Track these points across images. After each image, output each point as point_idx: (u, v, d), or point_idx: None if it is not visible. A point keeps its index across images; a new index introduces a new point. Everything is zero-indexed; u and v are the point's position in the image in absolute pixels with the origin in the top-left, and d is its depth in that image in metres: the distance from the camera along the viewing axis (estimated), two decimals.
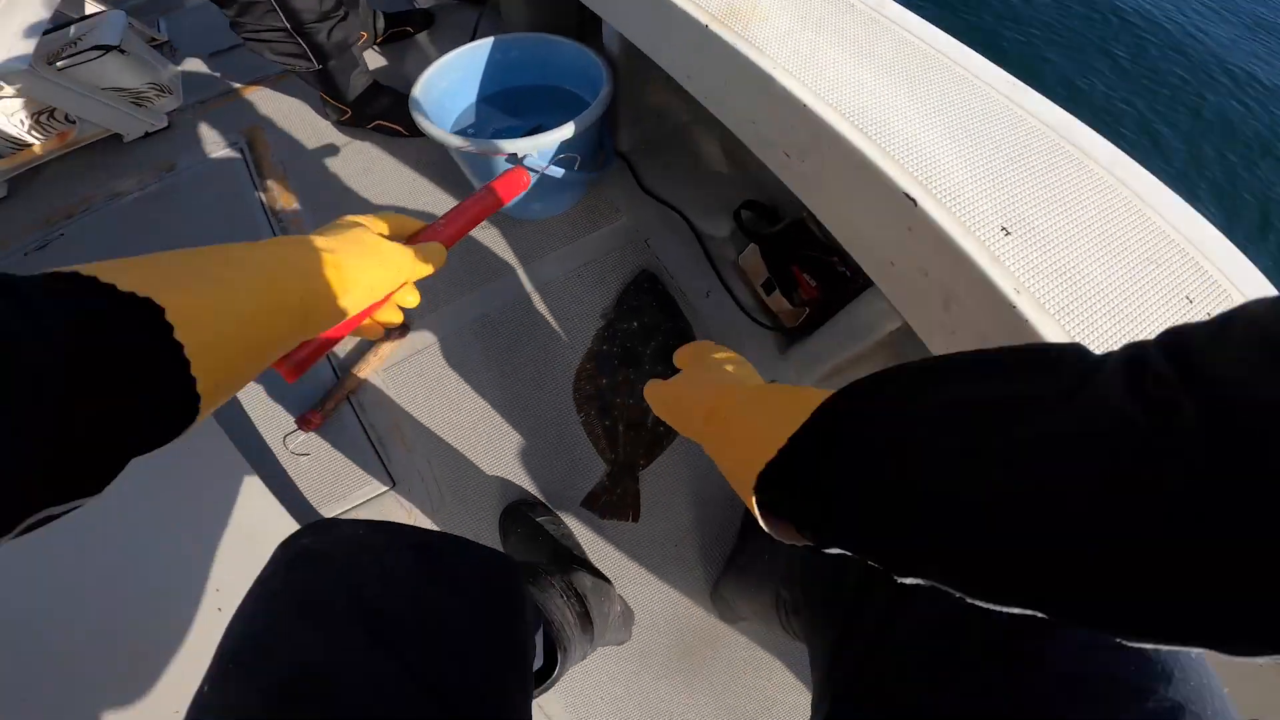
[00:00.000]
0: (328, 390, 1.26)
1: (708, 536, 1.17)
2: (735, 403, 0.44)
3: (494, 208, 0.68)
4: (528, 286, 1.31)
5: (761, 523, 0.37)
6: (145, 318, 0.29)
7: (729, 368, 0.55)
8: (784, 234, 1.26)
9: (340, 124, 1.54)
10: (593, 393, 1.18)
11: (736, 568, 1.03)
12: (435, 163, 1.50)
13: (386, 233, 0.54)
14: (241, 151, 1.56)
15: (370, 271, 0.47)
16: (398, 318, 0.55)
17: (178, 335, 0.30)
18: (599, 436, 1.17)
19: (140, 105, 1.60)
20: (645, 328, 1.21)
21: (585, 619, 0.90)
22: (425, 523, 1.16)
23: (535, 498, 1.19)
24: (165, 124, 1.64)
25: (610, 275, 1.31)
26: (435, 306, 1.31)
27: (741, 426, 0.41)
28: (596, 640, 0.92)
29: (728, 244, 1.33)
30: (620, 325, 1.22)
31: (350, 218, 0.52)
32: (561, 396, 1.23)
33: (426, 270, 0.55)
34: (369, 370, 1.26)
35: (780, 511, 0.35)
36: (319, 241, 0.44)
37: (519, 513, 1.15)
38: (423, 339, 1.29)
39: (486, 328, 1.28)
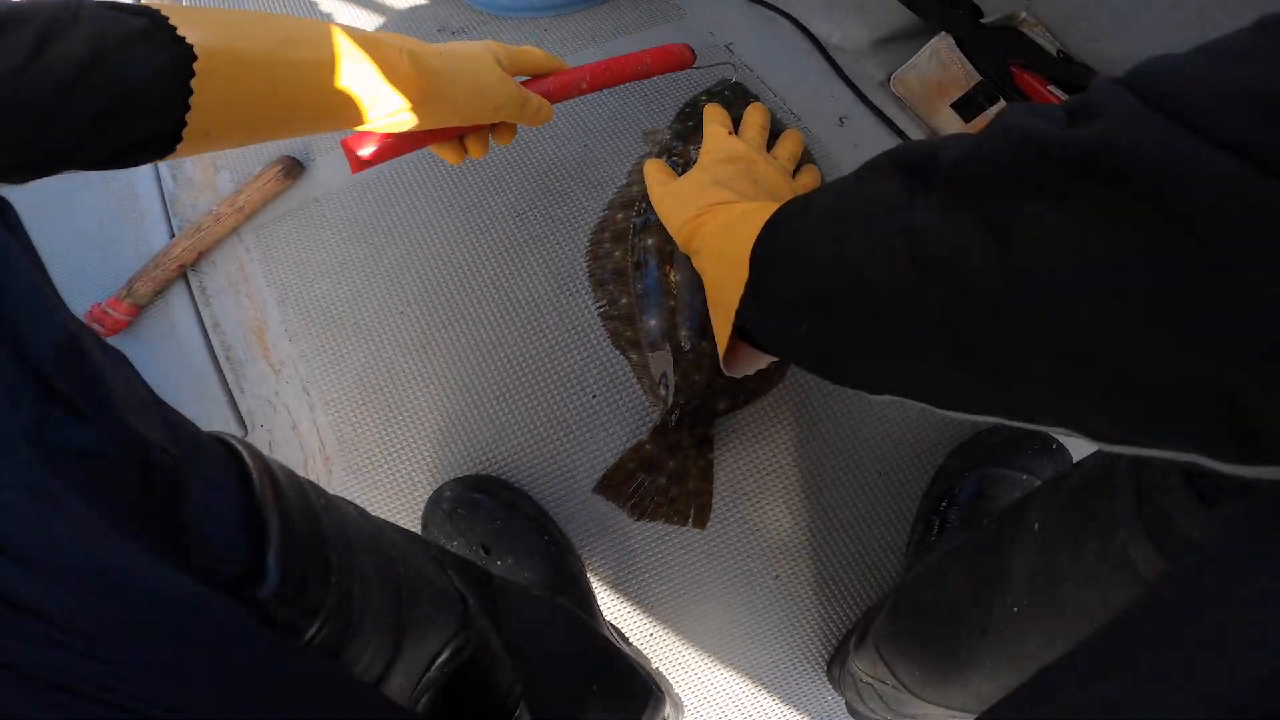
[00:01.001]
0: (145, 264, 0.70)
1: (835, 551, 0.60)
2: (710, 231, 0.47)
3: (639, 75, 0.59)
4: None
5: (724, 365, 0.45)
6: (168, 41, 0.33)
7: (759, 175, 0.55)
8: (997, 34, 0.69)
9: None
10: (633, 265, 0.61)
11: (918, 604, 0.51)
12: None
13: (504, 59, 0.50)
14: None
15: (458, 91, 0.45)
16: (478, 152, 0.52)
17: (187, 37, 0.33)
18: (636, 347, 0.60)
19: None
20: None
21: None
22: None
23: (494, 478, 0.62)
24: None
25: (666, 89, 0.74)
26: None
27: (713, 260, 0.45)
28: None
29: (870, 58, 0.77)
30: (681, 148, 0.65)
31: (482, 41, 0.50)
32: (567, 275, 0.66)
33: (522, 118, 0.51)
34: (223, 229, 0.70)
35: (759, 336, 0.41)
36: (414, 44, 0.44)
37: (461, 504, 0.59)
38: (323, 180, 0.73)
39: (438, 163, 0.72)
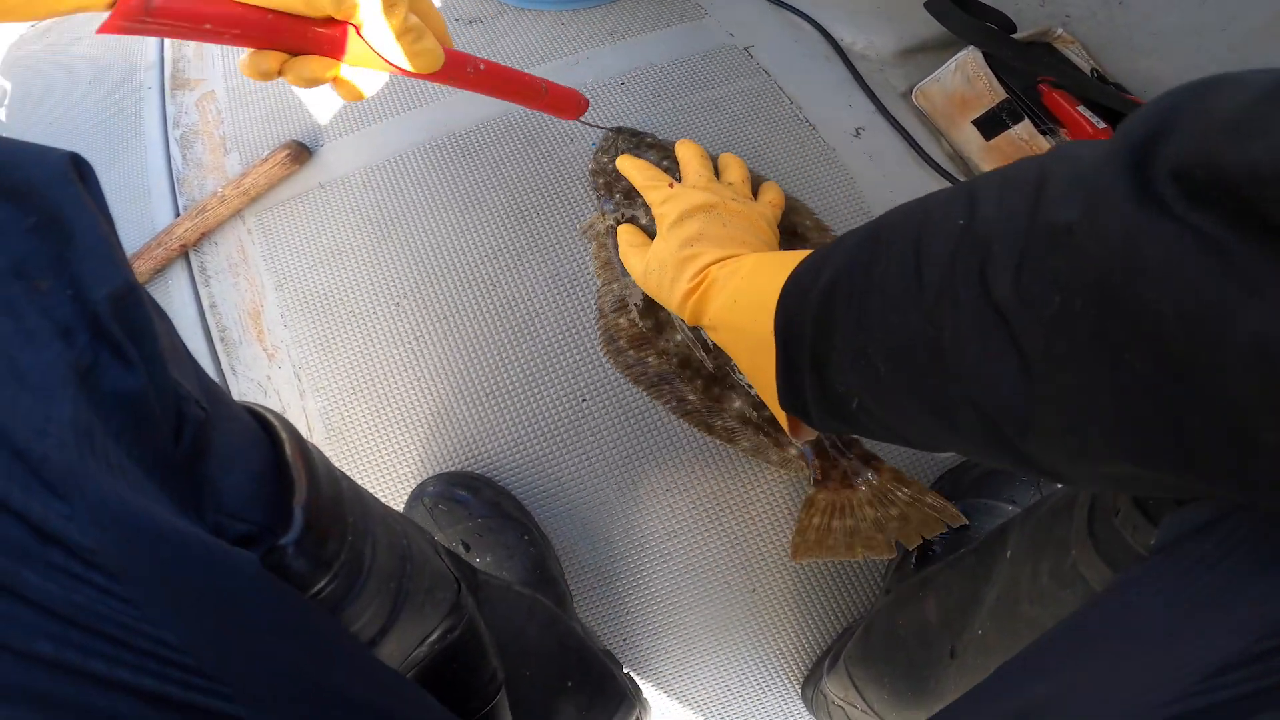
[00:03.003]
0: (146, 243, 0.70)
1: (814, 569, 0.58)
2: (718, 308, 0.44)
3: (530, 98, 0.53)
4: None
5: (790, 434, 0.43)
6: None
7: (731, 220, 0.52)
8: (1029, 50, 0.66)
9: None
10: (676, 368, 0.59)
11: (891, 628, 0.49)
12: None
13: None
14: None
15: None
16: (298, 78, 0.39)
17: None
18: (733, 434, 0.58)
19: None
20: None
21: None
22: None
23: (479, 475, 0.61)
24: None
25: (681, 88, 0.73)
26: (360, 122, 0.74)
27: (734, 338, 0.43)
28: None
29: (893, 68, 0.74)
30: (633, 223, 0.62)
31: None
32: (564, 278, 0.65)
33: (400, 17, 0.40)
34: (227, 211, 0.70)
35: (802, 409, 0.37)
36: None
37: (443, 500, 0.58)
38: (330, 166, 0.72)
39: (443, 156, 0.71)
